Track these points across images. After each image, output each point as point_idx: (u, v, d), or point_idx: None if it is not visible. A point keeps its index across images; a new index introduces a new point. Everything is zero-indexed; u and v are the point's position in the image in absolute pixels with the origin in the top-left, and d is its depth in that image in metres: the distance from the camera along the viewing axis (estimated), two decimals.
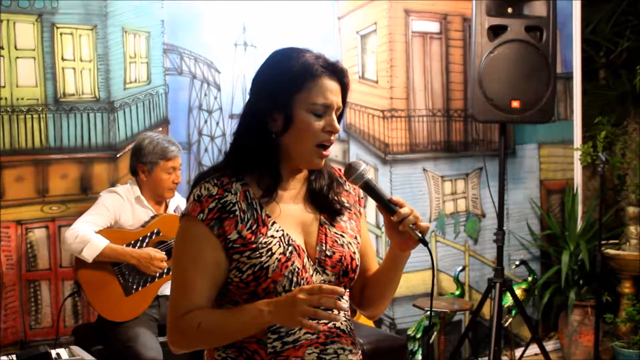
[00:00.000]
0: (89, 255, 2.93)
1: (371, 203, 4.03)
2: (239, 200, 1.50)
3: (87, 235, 2.94)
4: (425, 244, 1.51)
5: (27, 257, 3.26)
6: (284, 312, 1.38)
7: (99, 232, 3.00)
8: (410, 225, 1.48)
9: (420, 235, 1.49)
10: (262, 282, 1.47)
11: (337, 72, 1.53)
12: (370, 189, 1.54)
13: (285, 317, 1.39)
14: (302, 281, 1.49)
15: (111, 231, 3.04)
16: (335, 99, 1.52)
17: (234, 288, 1.50)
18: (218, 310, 1.54)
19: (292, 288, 1.48)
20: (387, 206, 1.52)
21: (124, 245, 3.04)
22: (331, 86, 1.51)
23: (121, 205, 3.10)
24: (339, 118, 1.56)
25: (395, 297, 4.12)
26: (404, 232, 1.51)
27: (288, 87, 1.49)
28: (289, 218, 1.55)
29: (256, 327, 1.46)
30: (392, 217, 1.50)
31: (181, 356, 3.06)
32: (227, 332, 1.48)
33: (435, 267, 1.65)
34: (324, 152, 1.53)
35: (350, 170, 1.53)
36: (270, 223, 1.52)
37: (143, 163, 3.13)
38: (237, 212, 1.49)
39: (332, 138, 1.53)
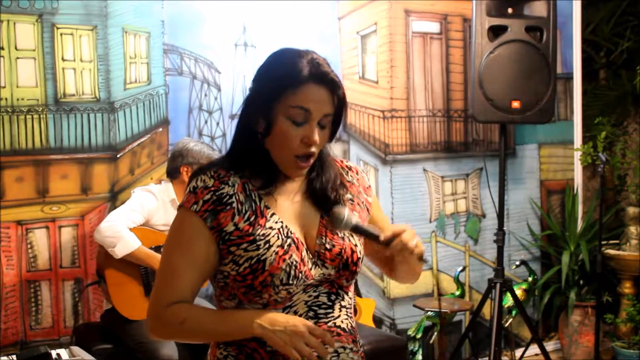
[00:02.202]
0: (120, 252, 2.95)
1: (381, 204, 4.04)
2: (236, 192, 1.49)
3: (123, 232, 2.96)
4: (424, 261, 1.52)
5: (27, 258, 3.26)
6: (278, 335, 1.40)
7: (134, 229, 3.02)
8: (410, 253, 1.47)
9: (420, 257, 1.48)
10: (259, 275, 1.45)
11: (327, 82, 1.46)
12: (359, 232, 1.51)
13: (276, 341, 1.40)
14: (300, 274, 1.48)
15: (145, 230, 3.07)
16: (319, 107, 1.45)
17: (231, 282, 1.49)
18: (205, 309, 1.54)
19: (290, 281, 1.47)
20: (381, 243, 1.48)
21: (154, 247, 3.05)
22: (316, 94, 1.45)
23: (155, 205, 3.12)
24: (334, 128, 1.52)
25: (396, 297, 4.13)
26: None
27: (271, 91, 1.46)
28: (289, 210, 1.53)
29: (241, 337, 1.48)
30: (386, 250, 1.48)
31: (186, 355, 3.08)
32: (210, 335, 1.52)
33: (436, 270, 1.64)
34: (302, 164, 1.49)
35: (336, 220, 1.48)
36: (269, 214, 1.50)
37: (189, 164, 3.14)
38: (234, 204, 1.48)
39: (312, 149, 1.47)
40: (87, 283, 3.29)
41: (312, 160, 1.50)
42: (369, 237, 1.50)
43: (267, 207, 1.51)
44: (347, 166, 1.65)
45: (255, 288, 1.47)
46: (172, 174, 3.20)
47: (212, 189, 1.48)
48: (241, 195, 1.50)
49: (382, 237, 1.47)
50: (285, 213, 1.53)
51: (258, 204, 1.51)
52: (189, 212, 1.49)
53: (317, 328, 1.42)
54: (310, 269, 1.51)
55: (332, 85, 1.47)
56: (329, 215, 1.50)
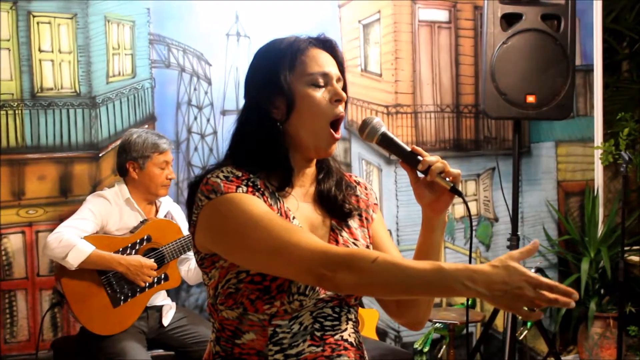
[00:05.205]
0: (73, 260, 2.93)
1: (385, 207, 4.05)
2: (262, 188, 1.52)
3: (72, 239, 2.94)
4: (459, 193, 1.48)
5: (2, 265, 3.27)
6: (499, 301, 1.29)
7: (85, 238, 3.00)
8: (440, 174, 1.48)
9: (451, 183, 1.48)
10: (278, 277, 1.46)
11: (324, 43, 1.58)
12: (388, 142, 1.54)
13: (496, 305, 1.31)
14: (315, 286, 1.48)
15: (98, 237, 3.05)
16: (332, 69, 1.55)
17: (244, 286, 1.48)
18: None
19: (307, 292, 1.47)
20: (409, 157, 1.51)
21: (112, 253, 3.04)
22: (323, 56, 1.56)
23: (108, 210, 3.11)
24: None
25: None
26: (433, 187, 1.51)
27: (281, 68, 1.52)
28: (303, 216, 1.56)
29: (442, 294, 1.38)
30: (417, 169, 1.50)
31: None
32: (404, 281, 1.35)
33: (472, 220, 1.61)
34: (336, 135, 1.54)
35: (364, 125, 1.55)
36: (292, 217, 1.53)
37: (133, 159, 3.14)
38: (266, 197, 1.51)
39: (341, 109, 1.54)
40: (47, 308, 3.28)
41: (340, 132, 1.55)
42: (398, 149, 1.53)
43: (289, 209, 1.54)
44: (355, 181, 1.70)
45: (270, 292, 1.46)
46: (121, 172, 3.21)
47: (243, 178, 1.50)
48: (266, 192, 1.52)
49: (414, 148, 1.51)
50: (301, 218, 1.55)
51: (282, 203, 1.53)
52: (238, 194, 1.46)
53: (544, 282, 1.28)
54: None
55: (331, 48, 1.58)
56: (362, 122, 1.55)
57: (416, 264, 1.36)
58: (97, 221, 3.07)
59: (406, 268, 1.34)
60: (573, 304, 1.28)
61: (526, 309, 1.29)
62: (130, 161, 3.15)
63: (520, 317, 1.30)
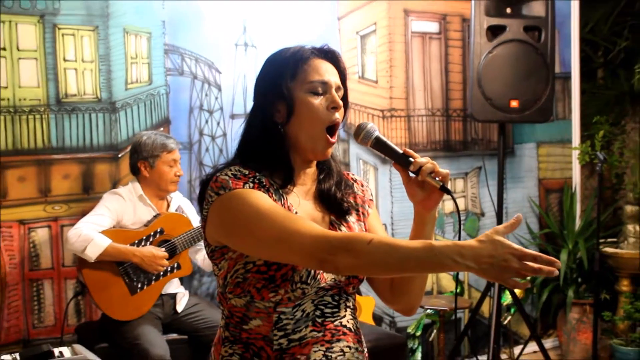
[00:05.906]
0: (92, 253, 2.95)
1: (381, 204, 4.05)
2: (267, 185, 1.52)
3: (90, 234, 2.96)
4: (448, 191, 1.47)
5: (30, 257, 3.28)
6: (487, 273, 1.28)
7: (103, 232, 3.03)
8: (430, 174, 1.48)
9: (441, 182, 1.48)
10: (283, 266, 1.46)
11: (327, 54, 1.57)
12: (381, 145, 1.55)
13: (486, 277, 1.30)
14: (317, 275, 1.49)
15: (114, 231, 3.07)
16: (333, 78, 1.54)
17: (251, 275, 1.48)
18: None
19: (308, 281, 1.47)
20: (402, 159, 1.52)
21: (128, 245, 3.06)
22: (325, 66, 1.55)
23: (123, 206, 3.12)
24: (344, 104, 1.58)
25: None
26: (424, 186, 1.51)
27: (283, 75, 1.53)
28: (303, 212, 1.55)
29: (436, 270, 1.35)
30: (409, 169, 1.51)
31: (185, 356, 3.10)
32: (400, 260, 1.33)
33: (460, 215, 1.59)
34: (331, 140, 1.54)
35: (359, 130, 1.55)
36: (294, 212, 1.53)
37: (144, 159, 3.16)
38: (270, 193, 1.51)
39: (338, 116, 1.54)
40: (71, 297, 3.31)
41: (335, 137, 1.55)
42: (391, 151, 1.53)
43: (292, 204, 1.54)
44: (352, 179, 1.70)
45: (275, 281, 1.46)
46: (134, 171, 3.23)
47: (250, 175, 1.50)
48: (271, 189, 1.52)
49: (406, 150, 1.51)
50: (302, 214, 1.54)
51: (285, 199, 1.53)
52: (245, 190, 1.47)
53: (528, 253, 1.27)
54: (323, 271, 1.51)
55: (334, 59, 1.57)
56: (356, 127, 1.55)
57: (409, 243, 1.35)
58: (112, 216, 3.09)
59: (400, 247, 1.34)
60: (556, 272, 1.27)
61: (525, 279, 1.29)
62: (141, 161, 3.17)
63: (508, 287, 1.28)
